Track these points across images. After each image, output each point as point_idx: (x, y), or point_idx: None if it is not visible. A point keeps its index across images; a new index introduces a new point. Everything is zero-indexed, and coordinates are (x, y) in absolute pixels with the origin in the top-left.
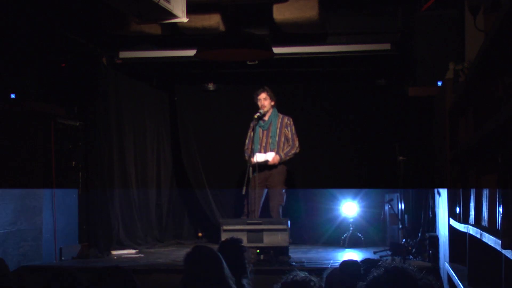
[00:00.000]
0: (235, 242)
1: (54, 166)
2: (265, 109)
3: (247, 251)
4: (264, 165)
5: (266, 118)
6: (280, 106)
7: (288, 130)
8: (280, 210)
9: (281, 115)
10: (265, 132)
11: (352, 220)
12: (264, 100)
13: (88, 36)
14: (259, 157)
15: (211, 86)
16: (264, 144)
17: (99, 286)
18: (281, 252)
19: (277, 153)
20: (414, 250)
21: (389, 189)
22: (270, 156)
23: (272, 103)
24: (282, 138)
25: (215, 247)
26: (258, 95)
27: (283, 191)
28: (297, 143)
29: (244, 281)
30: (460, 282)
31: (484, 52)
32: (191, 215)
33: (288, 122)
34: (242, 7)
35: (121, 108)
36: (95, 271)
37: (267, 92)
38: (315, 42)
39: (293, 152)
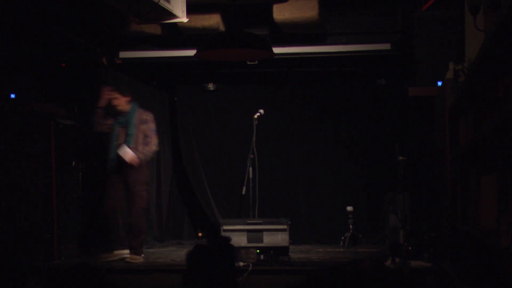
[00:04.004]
0: (224, 240)
1: (54, 166)
2: (120, 108)
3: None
4: (122, 161)
5: (124, 114)
6: (280, 106)
7: (146, 126)
8: (143, 214)
9: (140, 111)
10: (122, 129)
11: (352, 219)
12: (116, 100)
13: (88, 36)
14: (121, 152)
15: (211, 86)
16: (121, 141)
17: (69, 285)
18: (281, 252)
19: (135, 152)
20: (414, 250)
21: (389, 189)
22: (128, 156)
23: (128, 99)
24: (140, 135)
25: None
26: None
27: (144, 192)
28: (154, 140)
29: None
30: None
31: (484, 52)
32: (191, 215)
33: (146, 118)
34: (242, 7)
35: None
36: (64, 270)
37: (119, 90)
38: (315, 42)
39: (151, 150)
